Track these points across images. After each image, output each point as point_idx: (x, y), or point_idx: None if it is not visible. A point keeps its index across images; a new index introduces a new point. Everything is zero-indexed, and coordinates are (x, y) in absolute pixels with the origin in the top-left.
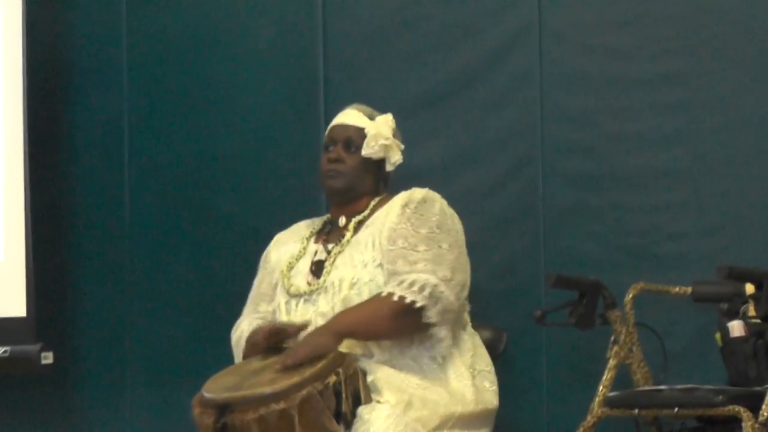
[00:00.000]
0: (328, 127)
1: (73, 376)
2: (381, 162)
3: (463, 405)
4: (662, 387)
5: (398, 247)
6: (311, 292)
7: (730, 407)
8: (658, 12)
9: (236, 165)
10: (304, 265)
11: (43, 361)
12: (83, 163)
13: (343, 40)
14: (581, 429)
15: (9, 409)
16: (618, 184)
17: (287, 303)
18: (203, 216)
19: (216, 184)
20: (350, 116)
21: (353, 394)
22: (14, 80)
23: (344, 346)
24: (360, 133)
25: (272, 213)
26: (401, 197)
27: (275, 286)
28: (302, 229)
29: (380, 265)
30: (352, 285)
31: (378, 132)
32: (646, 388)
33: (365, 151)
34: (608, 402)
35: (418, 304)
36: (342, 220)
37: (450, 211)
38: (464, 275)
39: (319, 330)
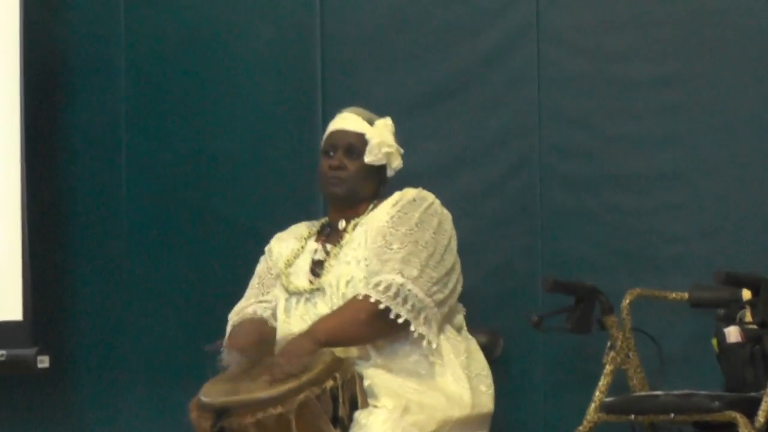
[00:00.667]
0: (327, 132)
1: (69, 379)
2: (382, 167)
3: (460, 409)
4: (659, 392)
5: (377, 244)
6: (311, 291)
7: (727, 413)
8: (656, 14)
9: (234, 165)
10: (303, 263)
11: (40, 365)
12: (80, 163)
13: (341, 41)
14: None
15: (6, 413)
16: (615, 186)
17: (287, 300)
18: (200, 216)
19: (213, 184)
20: (349, 121)
21: (350, 399)
22: (11, 79)
23: (340, 350)
24: (361, 139)
25: (270, 213)
26: (393, 197)
27: (277, 278)
28: (301, 229)
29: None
30: (348, 282)
31: (382, 140)
32: (643, 393)
33: (368, 158)
34: (604, 407)
35: (383, 305)
36: (342, 224)
37: (440, 209)
38: (439, 272)
39: (299, 338)
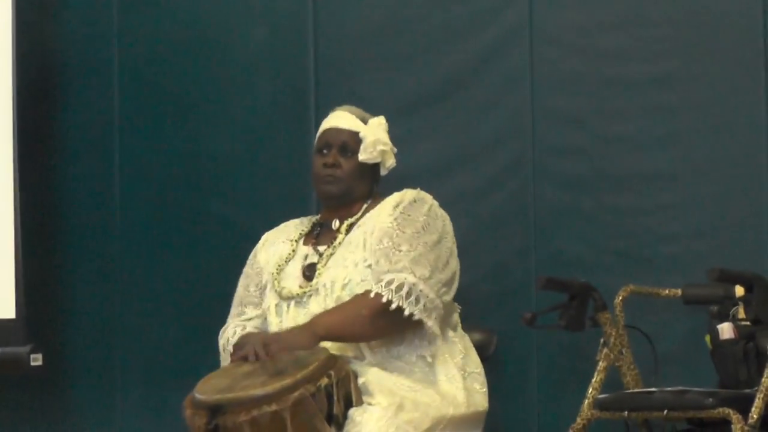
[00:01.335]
0: (321, 130)
1: (63, 377)
2: (376, 166)
3: (455, 407)
4: (652, 389)
5: (383, 246)
6: (303, 295)
7: (720, 410)
8: (649, 14)
9: (227, 166)
10: (294, 267)
11: (33, 363)
12: (74, 163)
13: (334, 42)
14: (571, 431)
15: None
16: (609, 186)
17: (278, 305)
18: (194, 217)
19: (207, 184)
20: (343, 119)
21: (345, 397)
22: (4, 81)
23: (335, 349)
24: (355, 138)
25: (263, 214)
26: (393, 198)
27: (264, 288)
28: (291, 229)
29: (370, 265)
30: (344, 285)
31: (376, 138)
32: (636, 390)
33: (362, 157)
34: (598, 404)
35: (395, 305)
36: (335, 223)
37: (440, 212)
38: (446, 274)
39: (297, 329)
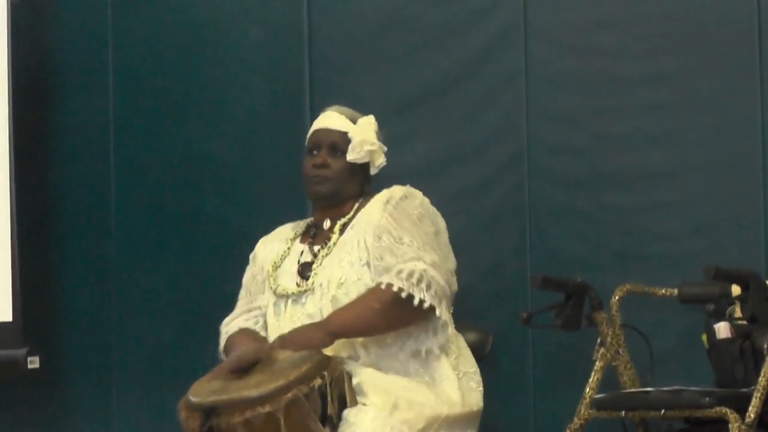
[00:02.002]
0: (311, 131)
1: (60, 379)
2: (365, 165)
3: (449, 407)
4: (649, 389)
5: (384, 242)
6: (299, 293)
7: (717, 409)
8: (644, 12)
9: (223, 166)
10: (290, 264)
11: (30, 366)
12: (69, 165)
13: (329, 41)
14: (568, 431)
15: None
16: (604, 184)
17: (275, 304)
18: (190, 218)
19: (203, 185)
20: (332, 119)
21: (339, 397)
22: (0, 82)
23: (330, 349)
24: (344, 137)
25: (259, 214)
26: (382, 195)
27: (263, 283)
28: (286, 230)
29: (366, 263)
30: (340, 285)
31: (364, 138)
32: (633, 389)
33: (351, 156)
34: (595, 404)
35: (406, 293)
36: (327, 223)
37: (432, 208)
38: (452, 264)
39: (313, 326)
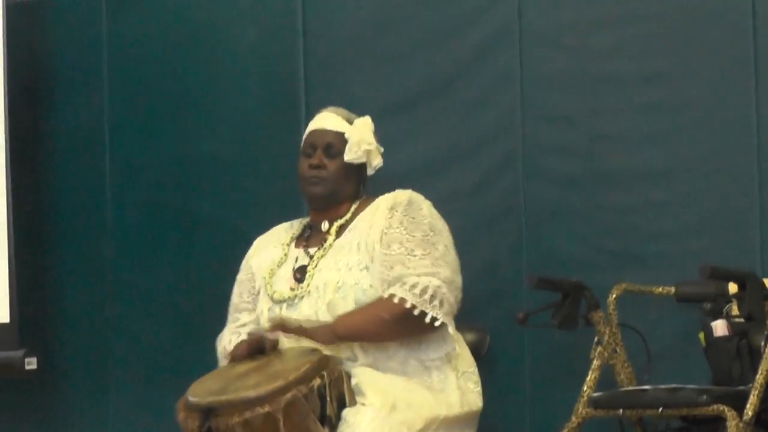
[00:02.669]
0: (307, 132)
1: (57, 381)
2: (362, 166)
3: (448, 407)
4: (646, 387)
5: (394, 252)
6: (294, 297)
7: (715, 407)
8: (638, 12)
9: (218, 167)
10: (286, 270)
11: (27, 367)
12: (65, 167)
13: (323, 42)
14: (565, 430)
15: None
16: (599, 184)
17: (270, 309)
18: (185, 219)
19: (198, 186)
20: (328, 120)
21: (338, 397)
22: None
23: (328, 350)
24: (340, 138)
25: (254, 215)
26: (386, 199)
27: (257, 293)
28: (281, 233)
29: (366, 267)
30: (338, 288)
31: (361, 138)
32: (631, 388)
33: (348, 157)
34: (592, 403)
35: (419, 309)
36: (324, 225)
37: (437, 213)
38: (460, 278)
39: (320, 327)
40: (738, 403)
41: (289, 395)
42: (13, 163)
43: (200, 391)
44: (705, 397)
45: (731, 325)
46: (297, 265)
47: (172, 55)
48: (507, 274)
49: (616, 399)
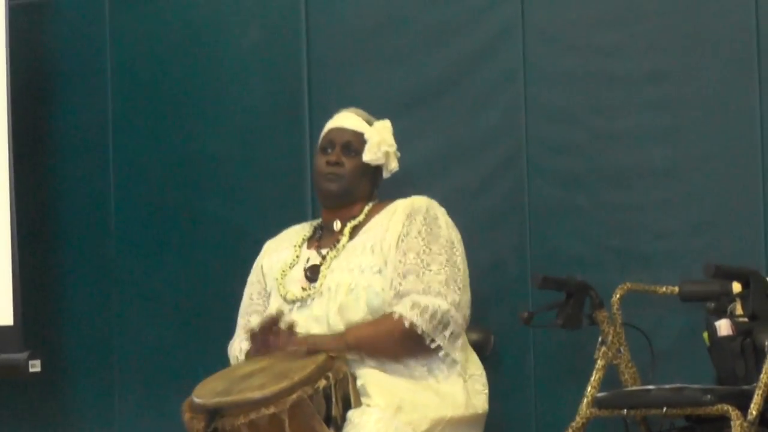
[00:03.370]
0: (325, 130)
1: (61, 383)
2: (378, 169)
3: (454, 408)
4: (650, 387)
5: (410, 261)
6: (307, 297)
7: (719, 406)
8: (642, 9)
9: (221, 166)
10: (298, 271)
11: (32, 369)
12: (69, 166)
13: (327, 41)
14: (570, 430)
15: None
16: (604, 182)
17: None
18: (190, 218)
19: (202, 185)
20: (348, 120)
21: (343, 398)
22: None
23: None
24: (359, 138)
25: (259, 214)
26: (403, 205)
27: (268, 294)
28: (292, 235)
29: (380, 271)
30: (350, 290)
31: (382, 139)
32: (635, 388)
33: (367, 157)
34: (597, 402)
35: (429, 337)
36: (337, 225)
37: (450, 221)
38: (468, 294)
39: (329, 336)
40: (742, 402)
41: (294, 396)
42: (17, 164)
43: (205, 392)
44: (709, 396)
45: (735, 325)
46: (308, 265)
47: (175, 55)
48: (511, 274)
49: (620, 399)
